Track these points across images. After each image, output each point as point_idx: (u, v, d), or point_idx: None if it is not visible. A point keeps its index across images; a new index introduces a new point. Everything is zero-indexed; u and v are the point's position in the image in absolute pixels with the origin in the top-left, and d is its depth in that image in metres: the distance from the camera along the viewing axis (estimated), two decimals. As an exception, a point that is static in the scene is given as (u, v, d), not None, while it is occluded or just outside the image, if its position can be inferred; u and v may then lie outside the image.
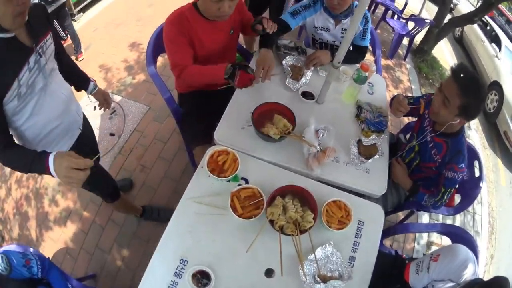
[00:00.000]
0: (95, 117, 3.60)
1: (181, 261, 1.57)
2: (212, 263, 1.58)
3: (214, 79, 2.04)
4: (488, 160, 5.55)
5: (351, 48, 2.74)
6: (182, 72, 2.09)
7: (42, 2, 3.97)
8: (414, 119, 2.54)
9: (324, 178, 1.97)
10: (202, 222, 1.70)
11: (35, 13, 1.53)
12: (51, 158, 1.30)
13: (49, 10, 4.09)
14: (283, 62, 2.51)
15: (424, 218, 3.67)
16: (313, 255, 1.66)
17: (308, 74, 2.50)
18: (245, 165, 1.87)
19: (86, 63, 4.48)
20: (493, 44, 7.17)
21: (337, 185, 1.99)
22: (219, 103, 2.23)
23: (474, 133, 5.64)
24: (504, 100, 6.04)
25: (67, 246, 2.82)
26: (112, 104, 3.77)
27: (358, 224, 1.83)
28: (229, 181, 1.83)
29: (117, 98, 3.92)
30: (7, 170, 3.29)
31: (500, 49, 6.99)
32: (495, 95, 6.32)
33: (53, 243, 2.83)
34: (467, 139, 5.05)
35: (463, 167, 1.99)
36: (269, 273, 1.62)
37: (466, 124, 5.49)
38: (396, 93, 2.70)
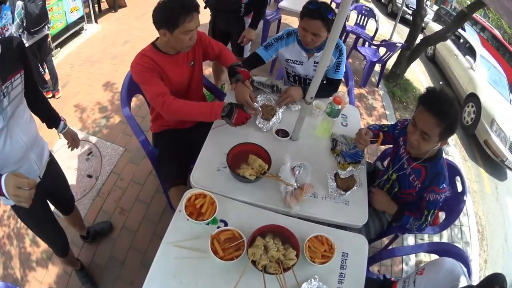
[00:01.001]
0: (73, 158, 3.56)
1: None
2: None
3: (207, 117, 2.09)
4: (470, 171, 5.63)
5: (324, 81, 2.77)
6: (165, 101, 2.08)
7: (24, 32, 3.95)
8: (391, 146, 2.55)
9: (303, 214, 1.95)
10: (184, 265, 1.66)
11: (8, 47, 1.50)
12: (2, 179, 1.32)
13: (31, 42, 4.08)
14: (255, 103, 2.48)
15: (410, 239, 3.66)
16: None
17: (280, 112, 2.49)
18: (223, 207, 1.85)
19: (62, 102, 4.43)
20: (467, 56, 7.31)
21: (318, 220, 1.98)
22: (193, 142, 2.27)
23: (453, 149, 5.72)
24: (482, 109, 6.16)
25: (52, 287, 2.74)
26: (89, 145, 3.76)
27: (342, 256, 1.82)
28: (208, 224, 1.80)
29: (93, 139, 3.88)
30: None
31: (474, 60, 7.14)
32: (472, 107, 6.44)
33: (38, 283, 2.75)
34: (447, 156, 5.13)
35: (444, 187, 1.97)
36: None
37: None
38: (370, 121, 2.72)
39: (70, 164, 3.36)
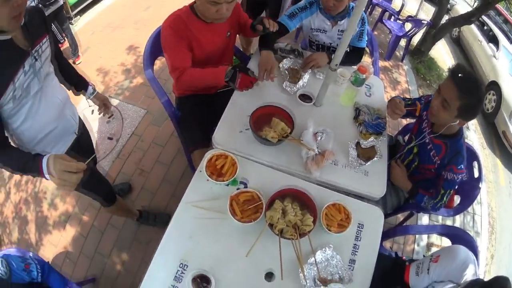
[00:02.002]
0: (93, 121, 3.59)
1: (181, 265, 1.57)
2: (212, 267, 1.58)
3: (215, 82, 2.09)
4: (487, 160, 5.54)
5: (348, 50, 2.74)
6: (181, 75, 2.10)
7: (40, 5, 4.00)
8: (413, 121, 2.54)
9: (322, 181, 1.96)
10: (202, 226, 1.69)
11: (32, 16, 1.53)
12: (44, 160, 1.30)
13: (47, 13, 4.12)
14: (280, 65, 2.52)
15: (424, 219, 3.66)
16: (313, 259, 1.66)
17: (306, 76, 2.49)
18: (243, 169, 1.87)
19: (83, 67, 4.48)
20: (490, 44, 7.15)
21: (336, 188, 1.98)
22: (217, 106, 2.23)
23: (473, 134, 5.64)
24: (503, 100, 6.02)
25: (67, 250, 2.81)
26: (111, 108, 3.77)
27: (358, 227, 1.83)
28: (227, 185, 1.82)
29: (115, 101, 3.92)
30: (6, 174, 3.28)
31: (498, 49, 6.98)
32: (493, 95, 6.31)
33: (53, 247, 2.83)
34: (466, 140, 5.08)
35: (462, 168, 1.98)
36: (269, 276, 1.62)
37: (465, 125, 5.54)
38: (394, 95, 2.69)
39: (90, 127, 3.39)
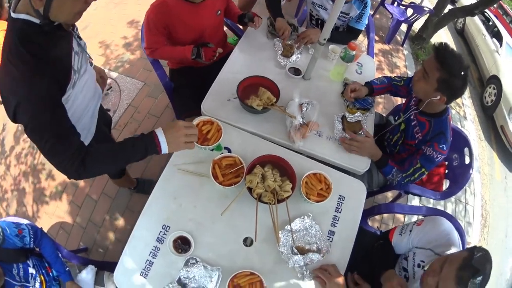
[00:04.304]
0: (92, 92, 3.62)
1: (164, 227, 1.63)
2: (192, 230, 1.63)
3: (183, 59, 2.34)
4: (484, 152, 5.53)
5: (344, 29, 2.78)
6: (151, 53, 2.33)
7: None
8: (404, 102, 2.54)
9: (305, 150, 2.00)
10: (185, 188, 1.74)
11: None
12: (160, 135, 1.37)
13: None
14: (275, 39, 2.56)
15: (414, 202, 3.69)
16: (289, 226, 1.69)
17: (299, 52, 2.54)
18: (229, 135, 1.92)
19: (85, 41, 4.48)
20: (494, 39, 7.10)
21: (320, 159, 2.02)
22: (209, 78, 2.28)
23: (470, 124, 5.62)
24: (502, 95, 5.99)
25: (61, 221, 2.87)
26: (109, 81, 3.82)
27: (339, 198, 1.86)
28: (212, 150, 1.87)
29: (113, 74, 3.94)
30: (7, 146, 3.36)
31: (501, 45, 6.94)
32: (494, 88, 6.29)
33: (48, 217, 2.88)
34: (462, 129, 5.06)
35: (444, 149, 1.97)
36: (247, 241, 1.67)
37: (462, 114, 5.56)
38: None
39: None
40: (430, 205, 3.83)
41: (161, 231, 1.62)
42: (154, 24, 2.19)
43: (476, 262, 1.24)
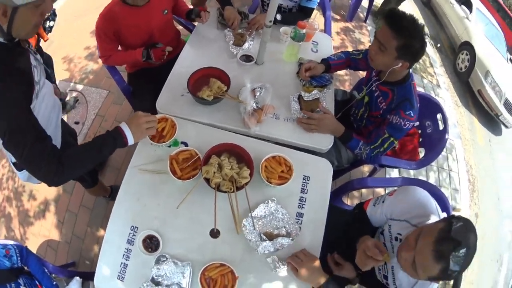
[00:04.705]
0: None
1: (132, 228, 1.63)
2: (159, 227, 1.63)
3: (137, 62, 2.39)
4: (463, 118, 5.54)
5: (295, 10, 2.75)
6: (106, 60, 2.40)
7: None
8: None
9: (263, 135, 1.98)
10: (148, 188, 1.74)
11: None
12: (124, 127, 1.53)
13: None
14: (225, 30, 2.55)
15: (394, 174, 3.67)
16: (254, 212, 1.67)
17: (251, 39, 2.52)
18: (184, 130, 1.90)
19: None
20: (463, 6, 7.13)
21: (281, 142, 2.00)
22: (164, 77, 2.28)
23: (445, 92, 5.61)
24: (476, 60, 6.05)
25: (47, 239, 2.86)
26: (75, 94, 3.80)
27: (304, 179, 1.84)
28: (169, 146, 1.86)
29: (79, 87, 3.90)
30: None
31: (471, 11, 6.97)
32: (466, 54, 6.33)
33: (35, 238, 2.88)
34: (437, 97, 5.05)
35: (412, 115, 1.91)
36: (214, 233, 1.65)
37: (435, 83, 5.56)
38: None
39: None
40: (412, 175, 3.81)
41: (130, 233, 1.62)
42: (103, 32, 2.25)
43: (456, 234, 1.15)
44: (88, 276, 2.17)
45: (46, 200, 3.07)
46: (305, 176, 1.85)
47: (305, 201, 1.77)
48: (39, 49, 2.88)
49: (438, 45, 7.12)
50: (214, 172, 1.65)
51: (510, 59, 6.95)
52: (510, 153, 5.75)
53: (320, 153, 2.05)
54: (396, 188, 1.70)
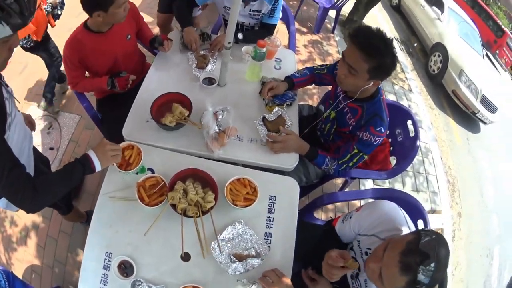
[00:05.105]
0: (36, 134, 3.53)
1: (107, 254, 1.64)
2: (132, 253, 1.64)
3: (102, 90, 2.42)
4: (438, 120, 5.62)
5: (257, 28, 2.79)
6: (74, 86, 2.42)
7: None
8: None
9: (227, 157, 2.00)
10: (119, 214, 1.75)
11: None
12: (91, 154, 1.60)
13: None
14: (188, 53, 2.55)
15: (368, 184, 3.69)
16: (221, 235, 1.70)
17: (214, 60, 2.54)
18: (150, 157, 1.92)
19: (23, 82, 4.35)
20: (434, 7, 7.23)
21: (245, 163, 2.03)
22: (132, 101, 2.28)
23: (417, 96, 5.69)
24: (449, 60, 6.16)
25: (31, 264, 2.85)
26: (49, 119, 3.76)
27: (270, 199, 1.87)
28: (137, 173, 1.87)
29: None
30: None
31: (442, 11, 7.07)
32: (439, 56, 6.43)
33: (20, 263, 2.86)
34: (410, 102, 5.10)
35: (382, 131, 1.91)
36: (186, 256, 1.67)
37: (407, 88, 5.64)
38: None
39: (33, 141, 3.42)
40: (386, 186, 3.84)
41: (105, 259, 1.63)
42: (69, 59, 2.27)
43: (424, 247, 1.15)
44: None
45: (27, 227, 3.04)
46: (271, 196, 1.87)
47: (272, 221, 1.80)
48: (46, 36, 3.28)
49: (410, 50, 7.22)
50: (180, 198, 1.67)
51: (486, 54, 7.08)
52: (489, 149, 5.88)
53: (287, 172, 2.07)
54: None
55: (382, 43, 1.69)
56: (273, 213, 1.82)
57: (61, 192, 1.54)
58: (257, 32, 2.73)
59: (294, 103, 2.33)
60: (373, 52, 1.69)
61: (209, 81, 2.37)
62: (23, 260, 2.86)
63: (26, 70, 4.29)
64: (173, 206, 1.68)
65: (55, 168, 3.32)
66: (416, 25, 7.66)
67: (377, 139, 1.93)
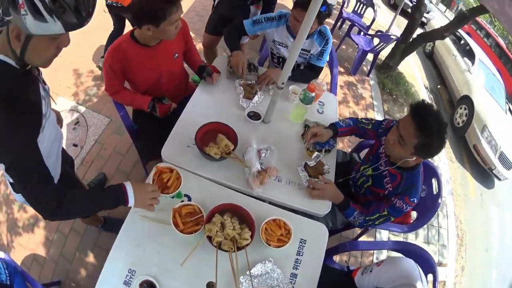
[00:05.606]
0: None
1: (130, 271, 1.63)
2: (157, 274, 1.63)
3: (141, 108, 2.37)
4: (456, 174, 5.59)
5: (303, 67, 2.80)
6: (113, 95, 2.37)
7: None
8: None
9: (265, 197, 2.00)
10: (148, 235, 1.75)
11: None
12: (129, 188, 1.55)
13: None
14: (236, 81, 2.56)
15: (384, 233, 3.70)
16: (251, 271, 1.70)
17: (261, 93, 2.55)
18: (188, 183, 1.92)
19: (55, 70, 4.37)
20: (465, 58, 7.23)
21: (280, 204, 2.02)
22: (171, 120, 2.28)
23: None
24: (474, 114, 6.11)
25: (34, 253, 2.84)
26: (77, 115, 3.80)
27: (300, 242, 1.87)
28: (172, 197, 1.87)
29: (81, 108, 3.90)
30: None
31: (473, 63, 7.06)
32: (465, 109, 6.39)
33: (22, 249, 2.85)
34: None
35: (415, 202, 1.95)
36: (210, 286, 1.66)
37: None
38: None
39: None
40: (400, 237, 3.84)
41: (127, 275, 1.62)
42: (111, 68, 2.21)
43: None
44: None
45: (36, 215, 3.03)
46: (302, 239, 1.88)
47: (300, 263, 1.80)
48: None
49: (438, 100, 7.21)
50: (217, 231, 1.68)
51: (509, 109, 7.03)
52: (501, 204, 5.82)
53: (316, 216, 2.08)
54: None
55: (436, 125, 1.72)
56: (302, 255, 1.83)
57: (83, 214, 1.53)
58: (304, 72, 2.76)
59: (332, 150, 2.33)
60: (426, 129, 1.72)
61: (254, 115, 2.38)
62: (26, 246, 2.86)
63: (55, 59, 4.32)
64: (209, 238, 1.69)
65: (76, 165, 3.32)
66: (446, 75, 7.64)
67: (408, 207, 1.96)
